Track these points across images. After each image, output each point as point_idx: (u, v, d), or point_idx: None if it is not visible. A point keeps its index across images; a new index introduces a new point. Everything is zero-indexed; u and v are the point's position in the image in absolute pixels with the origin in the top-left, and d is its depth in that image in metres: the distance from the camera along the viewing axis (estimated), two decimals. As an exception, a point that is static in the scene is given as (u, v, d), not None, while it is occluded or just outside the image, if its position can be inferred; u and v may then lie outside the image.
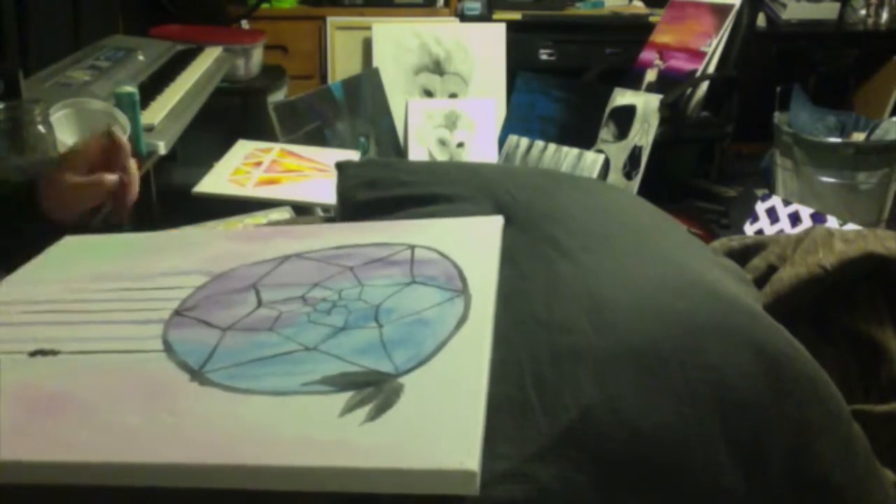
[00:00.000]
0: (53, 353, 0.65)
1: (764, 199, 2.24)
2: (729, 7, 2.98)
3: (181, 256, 0.81)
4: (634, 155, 2.82)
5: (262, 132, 2.54)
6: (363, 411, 0.54)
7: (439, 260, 0.74)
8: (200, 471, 0.52)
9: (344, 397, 0.56)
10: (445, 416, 0.53)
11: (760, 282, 0.81)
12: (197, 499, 0.53)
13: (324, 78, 3.22)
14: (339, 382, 0.58)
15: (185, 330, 0.67)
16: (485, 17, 3.35)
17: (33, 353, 0.65)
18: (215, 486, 0.52)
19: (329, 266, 0.76)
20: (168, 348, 0.64)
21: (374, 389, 0.56)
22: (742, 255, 0.88)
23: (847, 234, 0.80)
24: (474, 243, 0.76)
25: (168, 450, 0.53)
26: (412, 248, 0.77)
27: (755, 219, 2.21)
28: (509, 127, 3.18)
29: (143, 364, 0.63)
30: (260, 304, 0.70)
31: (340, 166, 0.98)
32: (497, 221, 0.80)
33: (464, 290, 0.68)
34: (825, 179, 2.80)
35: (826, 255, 0.77)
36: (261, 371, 0.60)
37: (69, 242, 0.89)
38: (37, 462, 0.53)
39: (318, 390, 0.57)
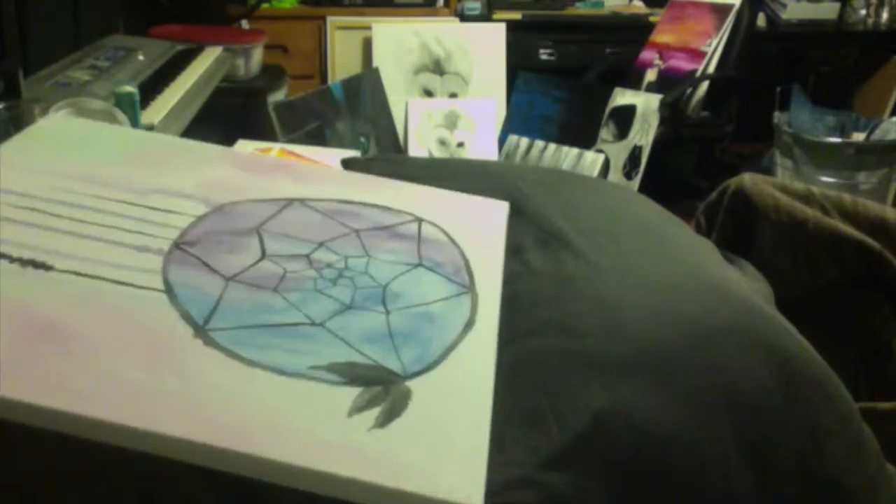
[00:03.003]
0: (46, 267, 0.63)
1: (765, 199, 2.23)
2: (729, 7, 2.98)
3: (180, 173, 0.78)
4: (634, 155, 2.82)
5: (262, 132, 2.53)
6: (371, 415, 0.54)
7: (446, 243, 0.74)
8: (204, 450, 0.52)
9: (352, 393, 0.56)
10: (452, 437, 0.54)
11: None
12: (188, 470, 0.53)
13: (324, 78, 3.22)
14: (347, 374, 0.58)
15: (186, 270, 0.66)
16: (485, 17, 3.35)
17: (24, 264, 0.63)
18: (215, 467, 0.52)
19: (334, 223, 0.74)
20: (169, 289, 0.63)
21: (382, 391, 0.56)
22: None
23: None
24: (481, 228, 0.76)
25: (173, 421, 0.52)
26: (419, 221, 0.76)
27: (756, 219, 2.21)
28: (509, 127, 3.17)
29: (144, 305, 0.61)
30: (263, 254, 0.69)
31: (346, 163, 0.97)
32: (503, 207, 0.80)
33: (470, 287, 0.68)
34: (825, 179, 2.80)
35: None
36: (266, 341, 0.60)
37: (59, 124, 0.84)
38: (36, 406, 0.52)
39: (325, 378, 0.57)
